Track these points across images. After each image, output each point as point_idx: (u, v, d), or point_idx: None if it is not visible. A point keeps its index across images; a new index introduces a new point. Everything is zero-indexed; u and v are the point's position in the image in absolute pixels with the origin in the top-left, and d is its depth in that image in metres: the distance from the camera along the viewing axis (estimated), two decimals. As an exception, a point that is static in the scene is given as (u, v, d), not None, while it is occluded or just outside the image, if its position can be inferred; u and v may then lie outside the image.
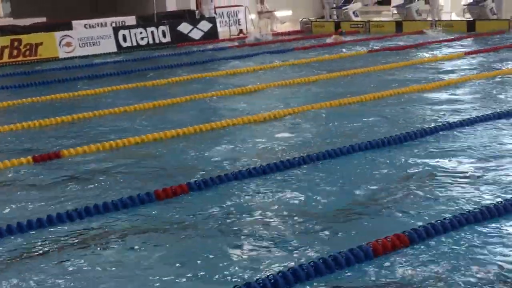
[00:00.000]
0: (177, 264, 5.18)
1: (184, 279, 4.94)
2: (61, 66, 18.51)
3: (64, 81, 15.54)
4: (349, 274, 4.83)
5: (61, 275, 5.10)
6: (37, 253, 5.55)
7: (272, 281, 4.64)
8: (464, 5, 24.77)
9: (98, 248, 5.59)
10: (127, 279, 4.99)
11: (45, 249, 5.64)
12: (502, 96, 11.01)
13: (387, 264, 4.95)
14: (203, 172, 7.51)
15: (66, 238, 5.84)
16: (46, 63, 19.81)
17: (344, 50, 19.21)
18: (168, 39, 23.41)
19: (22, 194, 7.13)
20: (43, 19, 25.36)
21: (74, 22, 23.37)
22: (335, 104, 10.91)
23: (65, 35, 21.69)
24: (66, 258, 5.39)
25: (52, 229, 6.04)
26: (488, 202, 5.97)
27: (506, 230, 5.43)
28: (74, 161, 8.36)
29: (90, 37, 22.08)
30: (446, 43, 19.45)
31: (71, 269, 5.21)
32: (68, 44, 21.56)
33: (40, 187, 7.36)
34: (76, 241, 5.77)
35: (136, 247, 5.58)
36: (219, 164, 7.88)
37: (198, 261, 5.21)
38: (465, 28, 22.24)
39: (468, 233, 5.38)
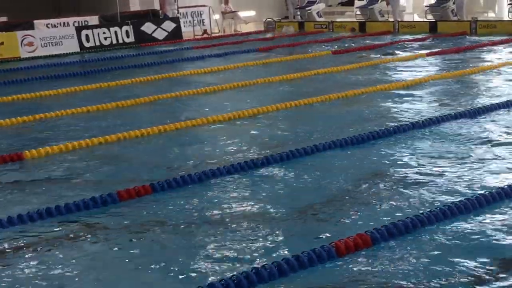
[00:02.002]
0: (139, 266, 5.15)
1: (146, 280, 4.92)
2: (22, 66, 18.29)
3: (25, 81, 15.36)
4: (312, 274, 4.85)
5: (15, 277, 5.05)
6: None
7: (236, 281, 4.64)
8: (426, 6, 25.04)
9: (57, 249, 5.53)
10: (86, 279, 4.96)
11: (5, 251, 5.57)
12: (462, 96, 11.14)
13: (350, 264, 4.97)
14: (167, 173, 7.48)
15: (25, 239, 5.78)
16: (7, 63, 19.54)
17: (309, 50, 19.27)
18: (131, 39, 23.29)
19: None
20: (4, 19, 25.05)
21: (36, 22, 23.13)
22: (299, 103, 10.95)
23: (27, 35, 21.46)
24: (27, 260, 5.33)
25: (12, 230, 5.96)
26: (449, 201, 6.03)
27: (468, 229, 5.49)
28: (36, 162, 8.27)
29: (52, 37, 21.87)
30: (408, 43, 19.63)
31: (31, 271, 5.16)
32: (30, 44, 21.32)
33: (1, 189, 7.27)
34: (37, 242, 5.71)
35: (97, 247, 5.55)
36: (183, 165, 7.86)
37: (161, 262, 5.19)
38: (427, 29, 22.47)
39: (429, 233, 5.43)
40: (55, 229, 5.99)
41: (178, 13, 25.23)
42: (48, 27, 23.14)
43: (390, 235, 5.33)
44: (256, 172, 7.39)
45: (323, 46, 20.22)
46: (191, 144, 8.98)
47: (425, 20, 24.14)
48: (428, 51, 17.47)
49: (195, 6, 26.68)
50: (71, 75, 16.10)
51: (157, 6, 26.52)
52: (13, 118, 10.75)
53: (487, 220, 5.66)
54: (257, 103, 11.24)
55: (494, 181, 6.63)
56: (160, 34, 23.91)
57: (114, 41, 22.98)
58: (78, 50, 22.10)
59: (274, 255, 5.16)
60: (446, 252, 5.07)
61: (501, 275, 4.67)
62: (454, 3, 23.11)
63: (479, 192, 6.25)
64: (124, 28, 23.27)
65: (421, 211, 5.79)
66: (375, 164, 7.48)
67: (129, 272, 5.08)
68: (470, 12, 23.52)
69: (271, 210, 6.23)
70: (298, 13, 27.79)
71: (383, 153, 7.92)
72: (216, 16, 27.23)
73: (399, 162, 7.49)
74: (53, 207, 6.33)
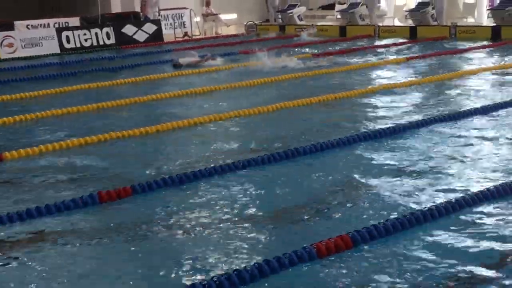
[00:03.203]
0: (118, 268, 5.15)
1: (126, 281, 4.92)
2: (2, 67, 18.17)
3: (5, 82, 15.27)
4: (293, 275, 4.87)
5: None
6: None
7: (217, 282, 4.65)
8: (406, 11, 25.18)
9: (37, 251, 5.51)
10: (68, 281, 4.94)
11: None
12: (442, 100, 11.22)
13: (330, 265, 5.00)
14: (147, 175, 7.48)
15: (5, 240, 5.75)
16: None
17: (291, 53, 19.30)
18: (112, 41, 23.23)
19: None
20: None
21: (16, 23, 23.00)
22: (280, 107, 10.97)
23: (7, 36, 21.33)
24: (3, 262, 5.31)
25: (-7, 232, 5.95)
26: (431, 204, 6.08)
27: (449, 232, 5.54)
28: (16, 164, 8.23)
29: (32, 38, 21.76)
30: (388, 48, 19.75)
31: (5, 272, 5.14)
32: (10, 45, 21.19)
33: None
34: (17, 244, 5.69)
35: (77, 248, 5.54)
36: (164, 167, 7.85)
37: (141, 263, 5.19)
38: (407, 34, 22.60)
39: (411, 236, 5.47)
40: (35, 231, 5.96)
41: (159, 15, 25.20)
42: (28, 28, 23.02)
43: (371, 236, 5.37)
44: (236, 174, 7.40)
45: (306, 50, 20.28)
46: (172, 145, 8.98)
47: (405, 24, 24.27)
48: (408, 55, 17.59)
49: (176, 9, 26.65)
50: (51, 77, 16.00)
51: (138, 8, 26.48)
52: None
53: (471, 222, 5.72)
54: (239, 105, 11.24)
55: (478, 183, 6.70)
56: (141, 36, 23.88)
57: (95, 43, 22.91)
58: (59, 51, 22.00)
59: (255, 256, 5.17)
60: (427, 255, 5.11)
61: (482, 278, 4.72)
62: (433, 8, 23.25)
63: (461, 194, 6.31)
64: (105, 29, 23.21)
65: (403, 214, 5.84)
66: (356, 167, 7.51)
67: (107, 273, 5.07)
68: (450, 17, 23.65)
69: (252, 212, 6.24)
70: (279, 16, 27.83)
71: (363, 156, 7.96)
72: (197, 19, 27.22)
73: (380, 165, 7.53)
74: (33, 208, 6.30)
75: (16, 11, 26.52)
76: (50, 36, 22.10)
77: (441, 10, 22.90)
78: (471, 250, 5.19)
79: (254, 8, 30.88)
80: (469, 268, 4.85)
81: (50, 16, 24.76)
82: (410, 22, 24.10)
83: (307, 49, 20.25)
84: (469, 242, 5.33)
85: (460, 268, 4.86)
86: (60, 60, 20.03)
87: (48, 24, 23.74)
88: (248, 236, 5.65)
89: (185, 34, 26.21)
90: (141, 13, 25.05)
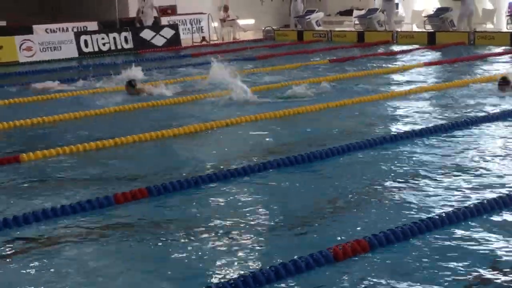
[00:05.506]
0: (135, 270, 5.14)
1: (138, 281, 4.90)
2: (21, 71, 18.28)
3: (24, 85, 15.33)
4: (309, 278, 4.83)
5: (17, 278, 5.04)
6: (-7, 256, 5.47)
7: (233, 285, 4.62)
8: (425, 17, 25.09)
9: (53, 252, 5.51)
10: (83, 281, 4.93)
11: (1, 252, 5.55)
12: (460, 106, 11.12)
13: (347, 269, 4.96)
14: (163, 177, 7.46)
15: (23, 241, 5.76)
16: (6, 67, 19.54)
17: (306, 59, 19.28)
18: (130, 45, 23.31)
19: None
20: (3, 23, 25.07)
21: (35, 27, 23.16)
22: (296, 111, 10.93)
23: (26, 39, 21.47)
24: (22, 262, 5.31)
25: (8, 233, 5.94)
26: (448, 209, 6.03)
27: (467, 236, 5.48)
28: (33, 165, 8.25)
29: (51, 42, 21.89)
30: (406, 54, 19.66)
31: (28, 272, 5.14)
32: (29, 49, 21.33)
33: (-2, 191, 7.27)
34: (33, 244, 5.69)
35: (93, 250, 5.53)
36: (180, 169, 7.83)
37: (156, 266, 5.17)
38: (425, 40, 22.49)
39: (428, 240, 5.42)
40: (51, 232, 5.96)
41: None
42: (47, 32, 23.18)
43: (388, 241, 5.32)
44: (252, 177, 7.37)
45: (321, 55, 20.25)
46: (189, 149, 8.96)
47: (424, 30, 24.17)
48: (426, 61, 17.49)
49: (194, 14, 26.74)
50: (70, 80, 16.04)
51: (155, 13, 26.58)
52: (10, 121, 10.73)
53: (484, 228, 5.66)
54: (256, 110, 11.19)
55: (490, 190, 6.62)
56: (158, 41, 23.95)
57: (113, 47, 23.00)
58: (77, 55, 22.11)
59: (271, 260, 5.14)
60: (444, 259, 5.06)
61: (499, 281, 4.67)
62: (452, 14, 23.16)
63: (475, 200, 6.25)
64: (123, 34, 23.31)
65: (419, 218, 5.79)
66: (373, 172, 7.46)
67: (123, 275, 5.06)
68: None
69: (267, 214, 6.21)
70: (297, 21, 27.81)
71: (380, 161, 7.90)
72: (215, 24, 27.27)
73: (397, 170, 7.47)
74: (49, 210, 6.31)
75: (16, 11, 26.71)
76: (68, 40, 22.23)
77: (464, 14, 22.61)
78: (486, 254, 5.14)
79: (272, 14, 30.88)
80: (486, 272, 4.80)
81: (50, 16, 24.87)
82: (428, 28, 24.00)
83: (320, 55, 20.21)
84: (485, 246, 5.27)
85: (477, 272, 4.81)
86: (79, 63, 20.12)
87: (67, 28, 23.88)
88: (264, 238, 5.62)
89: (203, 39, 26.26)
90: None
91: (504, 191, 6.50)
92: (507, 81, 11.79)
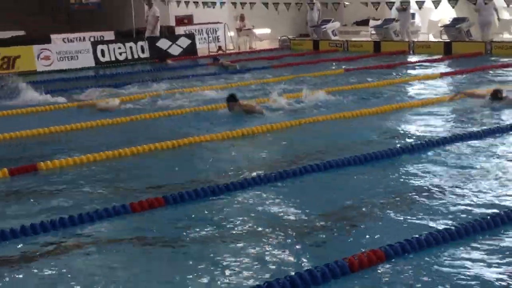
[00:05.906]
0: (152, 279, 5.15)
1: (159, 292, 4.93)
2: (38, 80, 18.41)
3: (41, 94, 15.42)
4: (325, 288, 4.83)
5: (34, 285, 5.07)
6: (11, 264, 5.49)
7: (248, 294, 4.63)
8: (441, 26, 25.03)
9: (70, 260, 5.55)
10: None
11: (18, 260, 5.58)
12: (476, 116, 11.07)
13: (363, 279, 4.95)
14: (180, 186, 7.49)
15: (40, 249, 5.79)
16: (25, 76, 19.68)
17: (321, 68, 19.29)
18: (146, 54, 23.42)
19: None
20: (22, 33, 25.31)
21: (52, 36, 23.36)
22: (309, 121, 10.95)
23: (44, 49, 21.66)
24: (39, 270, 5.34)
25: (26, 240, 5.98)
26: (465, 220, 6.00)
27: (482, 247, 5.46)
28: (51, 173, 8.30)
29: (68, 51, 22.07)
30: (422, 64, 19.62)
31: (43, 280, 5.17)
32: (46, 58, 21.50)
33: (16, 199, 7.30)
34: (50, 252, 5.73)
35: (109, 258, 5.56)
36: (197, 178, 7.85)
37: (176, 274, 5.18)
38: (442, 50, 22.43)
39: (444, 250, 5.40)
40: (68, 240, 6.00)
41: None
42: (65, 42, 23.37)
43: (404, 251, 5.31)
44: (267, 187, 7.38)
45: (336, 65, 20.26)
46: (205, 158, 8.99)
47: (440, 40, 24.12)
48: (442, 71, 17.45)
49: (211, 23, 26.84)
50: (86, 89, 16.13)
51: (172, 22, 26.71)
52: (28, 130, 10.82)
53: (501, 241, 5.63)
54: (270, 119, 11.22)
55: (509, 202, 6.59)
56: (175, 50, 24.05)
57: (130, 57, 23.14)
58: (94, 64, 22.26)
59: (287, 269, 5.14)
60: (460, 270, 5.04)
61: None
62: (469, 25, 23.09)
63: (493, 211, 6.22)
64: (140, 43, 23.42)
65: (437, 229, 5.77)
66: (389, 182, 7.45)
67: (140, 284, 5.07)
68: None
69: (283, 224, 6.21)
70: (314, 31, 27.81)
71: (398, 171, 7.89)
72: (231, 33, 27.35)
73: (415, 181, 7.45)
74: (67, 218, 6.35)
75: (16, 11, 26.90)
76: (85, 50, 22.39)
77: (484, 23, 22.49)
78: (502, 269, 5.11)
79: (288, 23, 30.93)
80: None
81: (50, 16, 25.01)
82: (445, 38, 23.94)
83: (341, 66, 20.21)
84: (501, 260, 5.23)
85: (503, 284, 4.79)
86: (96, 73, 20.25)
87: (84, 38, 24.07)
88: (280, 248, 5.62)
89: (219, 48, 26.34)
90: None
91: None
92: (499, 97, 11.69)
